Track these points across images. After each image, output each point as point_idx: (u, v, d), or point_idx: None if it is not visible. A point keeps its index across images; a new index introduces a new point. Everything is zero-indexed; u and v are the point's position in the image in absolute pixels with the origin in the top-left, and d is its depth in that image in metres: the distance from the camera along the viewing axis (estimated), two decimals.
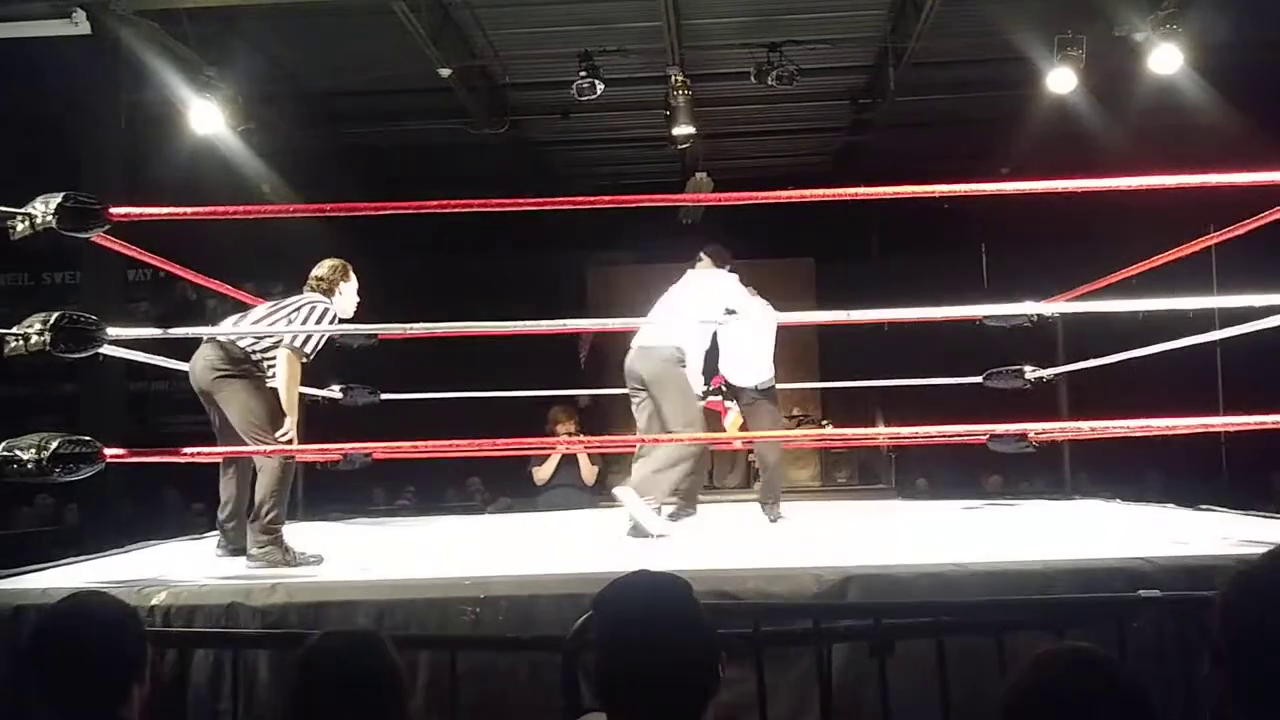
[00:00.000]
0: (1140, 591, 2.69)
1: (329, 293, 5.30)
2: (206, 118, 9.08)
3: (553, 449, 8.06)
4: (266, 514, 4.83)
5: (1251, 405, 5.57)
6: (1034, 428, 7.26)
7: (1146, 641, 2.65)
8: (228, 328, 5.15)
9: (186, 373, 5.09)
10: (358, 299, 5.45)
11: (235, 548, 5.10)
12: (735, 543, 5.54)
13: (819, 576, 3.62)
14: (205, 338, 5.12)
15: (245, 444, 4.93)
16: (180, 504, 10.71)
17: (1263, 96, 10.01)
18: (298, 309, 5.11)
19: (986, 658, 2.76)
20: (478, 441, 5.37)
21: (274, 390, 5.01)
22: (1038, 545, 4.76)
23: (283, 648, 3.42)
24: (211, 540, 5.88)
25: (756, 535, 6.04)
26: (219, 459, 5.21)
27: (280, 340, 4.99)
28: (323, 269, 5.37)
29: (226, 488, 5.22)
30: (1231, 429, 7.00)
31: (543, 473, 8.26)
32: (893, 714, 2.70)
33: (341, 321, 5.33)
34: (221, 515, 5.23)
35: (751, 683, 2.81)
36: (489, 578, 3.91)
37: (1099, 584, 3.44)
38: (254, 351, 5.02)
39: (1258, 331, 5.08)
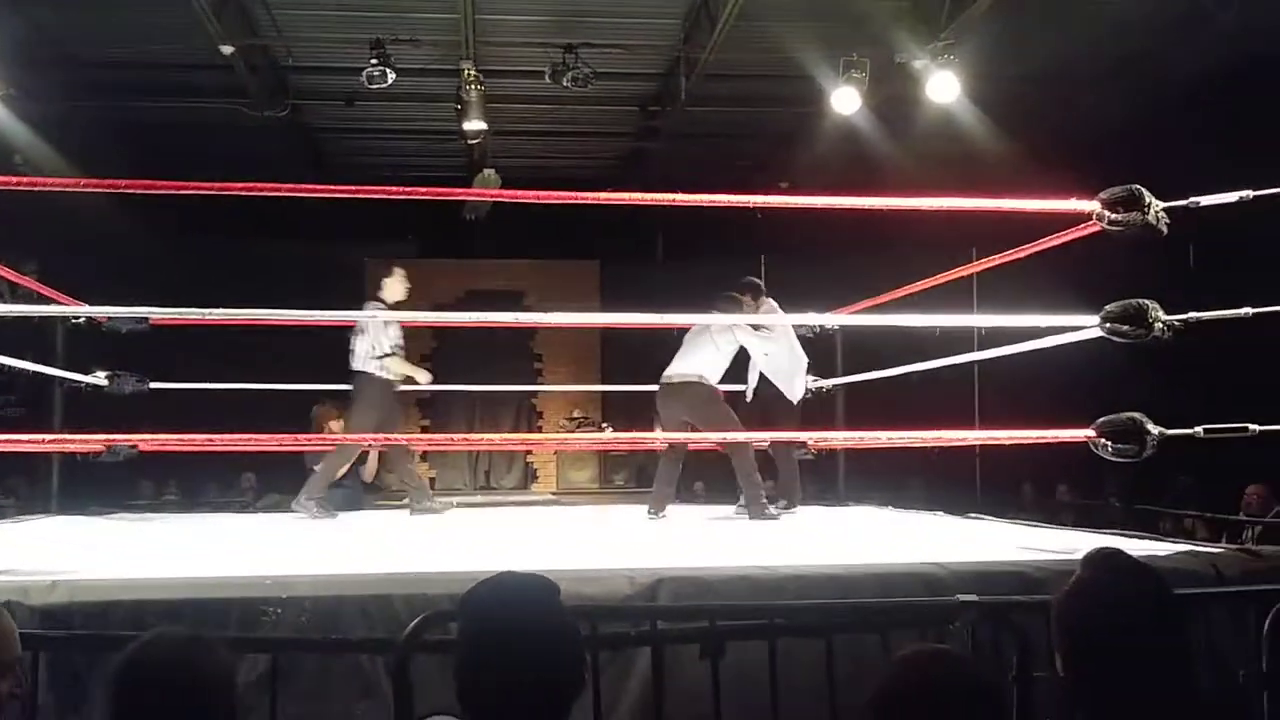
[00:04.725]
0: (959, 596, 2.81)
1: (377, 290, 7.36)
2: None
3: (332, 445, 7.78)
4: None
5: (1006, 418, 5.92)
6: (814, 436, 7.57)
7: (962, 643, 2.78)
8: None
9: None
10: (406, 285, 7.40)
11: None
12: (534, 543, 5.52)
13: (631, 579, 3.63)
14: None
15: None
16: None
17: (1029, 127, 10.63)
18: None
19: (808, 658, 2.83)
20: (266, 436, 5.13)
21: None
22: (833, 550, 4.91)
23: (76, 651, 3.20)
24: None
25: (551, 535, 6.04)
26: None
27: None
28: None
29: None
30: (1000, 443, 7.39)
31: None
32: (723, 715, 2.73)
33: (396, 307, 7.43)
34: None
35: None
36: (290, 577, 3.74)
37: (899, 588, 3.56)
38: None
39: (1013, 353, 5.43)
